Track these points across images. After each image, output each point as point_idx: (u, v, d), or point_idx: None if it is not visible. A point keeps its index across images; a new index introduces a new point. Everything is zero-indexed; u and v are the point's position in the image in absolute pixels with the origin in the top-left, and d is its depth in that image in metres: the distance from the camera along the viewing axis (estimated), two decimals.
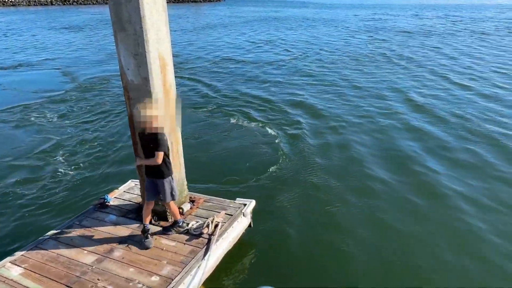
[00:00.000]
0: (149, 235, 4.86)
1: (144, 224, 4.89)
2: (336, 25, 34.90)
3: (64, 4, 73.48)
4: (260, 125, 10.72)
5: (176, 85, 5.08)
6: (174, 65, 5.01)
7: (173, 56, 4.94)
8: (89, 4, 74.81)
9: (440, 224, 6.21)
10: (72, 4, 74.20)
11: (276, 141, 9.56)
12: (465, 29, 30.38)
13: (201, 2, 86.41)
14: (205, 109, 12.30)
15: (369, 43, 24.79)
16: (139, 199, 5.79)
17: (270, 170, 8.01)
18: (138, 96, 4.72)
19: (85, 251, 4.77)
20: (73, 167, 8.30)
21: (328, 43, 25.38)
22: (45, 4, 72.61)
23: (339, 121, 10.85)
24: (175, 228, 5.10)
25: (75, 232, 5.15)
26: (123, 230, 5.17)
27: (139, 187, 5.63)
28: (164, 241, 4.92)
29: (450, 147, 8.97)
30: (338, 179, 7.60)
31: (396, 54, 20.62)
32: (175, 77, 5.07)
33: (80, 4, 74.60)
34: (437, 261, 5.41)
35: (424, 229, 6.11)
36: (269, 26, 35.37)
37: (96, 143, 9.57)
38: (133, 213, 5.57)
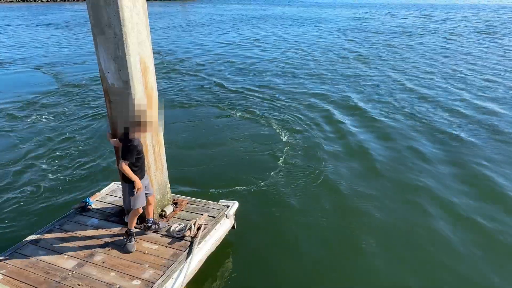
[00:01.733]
0: (133, 239, 4.85)
1: (128, 228, 4.88)
2: (318, 24, 35.11)
3: (47, 1, 72.06)
4: (247, 123, 10.76)
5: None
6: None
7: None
8: (73, 1, 73.49)
9: None
10: (55, 1, 72.81)
11: (263, 141, 9.61)
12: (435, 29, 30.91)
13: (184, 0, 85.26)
14: (191, 107, 12.29)
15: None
16: (122, 202, 5.75)
17: (256, 170, 8.05)
18: (118, 100, 4.69)
19: (66, 256, 4.72)
20: (53, 170, 8.18)
21: (305, 41, 25.54)
22: (27, 1, 71.08)
23: (323, 118, 10.97)
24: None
25: (56, 237, 5.09)
26: (105, 234, 5.13)
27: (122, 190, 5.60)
28: (146, 244, 4.91)
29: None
30: (322, 180, 7.68)
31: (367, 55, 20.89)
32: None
33: (64, 1, 73.25)
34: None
35: None
36: (264, 24, 35.23)
37: (76, 145, 9.44)
38: (115, 216, 5.53)
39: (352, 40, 25.63)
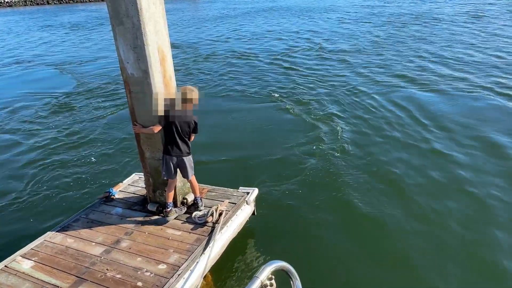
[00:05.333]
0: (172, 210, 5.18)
1: (167, 204, 5.16)
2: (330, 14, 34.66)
3: (60, 3, 73.23)
4: (271, 111, 10.78)
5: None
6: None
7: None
8: (86, 1, 74.49)
9: None
10: (69, 2, 73.93)
11: (287, 128, 9.60)
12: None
13: None
14: (211, 96, 12.43)
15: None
16: (144, 192, 5.88)
17: (275, 157, 8.09)
18: (138, 89, 4.79)
19: (93, 243, 4.87)
20: (76, 163, 8.41)
21: (325, 31, 25.25)
22: (41, 4, 72.39)
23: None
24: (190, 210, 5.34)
25: (82, 225, 5.26)
26: (129, 222, 5.27)
27: (143, 179, 5.72)
28: (169, 230, 5.01)
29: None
30: (345, 169, 7.55)
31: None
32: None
33: (77, 2, 74.31)
34: None
35: None
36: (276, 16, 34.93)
37: (95, 138, 9.67)
38: (138, 205, 5.67)
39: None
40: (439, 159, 7.71)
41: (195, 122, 4.97)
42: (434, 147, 8.22)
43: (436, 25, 22.92)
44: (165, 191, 5.22)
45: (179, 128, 4.89)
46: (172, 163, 4.99)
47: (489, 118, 9.52)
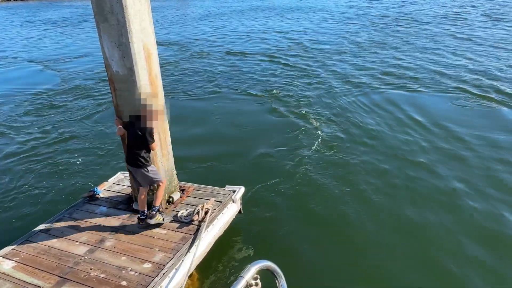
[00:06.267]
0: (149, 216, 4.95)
1: (156, 205, 4.95)
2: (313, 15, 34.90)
3: None
4: (256, 109, 10.82)
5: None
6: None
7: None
8: None
9: None
10: None
11: (272, 125, 9.66)
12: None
13: None
14: (197, 94, 12.37)
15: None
16: (129, 190, 5.83)
17: (261, 156, 8.11)
18: (123, 87, 4.74)
19: (77, 243, 4.81)
20: (59, 162, 8.28)
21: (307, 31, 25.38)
22: None
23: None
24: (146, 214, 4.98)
25: (66, 225, 5.18)
26: (114, 221, 5.22)
27: (129, 178, 5.67)
28: (155, 229, 4.98)
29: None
30: (329, 169, 7.63)
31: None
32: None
33: None
34: None
35: None
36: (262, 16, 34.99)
37: (80, 138, 9.53)
38: (123, 204, 5.61)
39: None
40: (420, 168, 7.64)
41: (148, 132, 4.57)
42: (413, 149, 8.32)
43: (417, 26, 23.27)
44: (151, 190, 5.13)
45: (134, 136, 4.64)
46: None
47: (461, 119, 9.71)
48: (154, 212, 4.94)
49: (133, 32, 4.43)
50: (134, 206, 5.42)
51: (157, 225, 4.98)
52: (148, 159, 4.75)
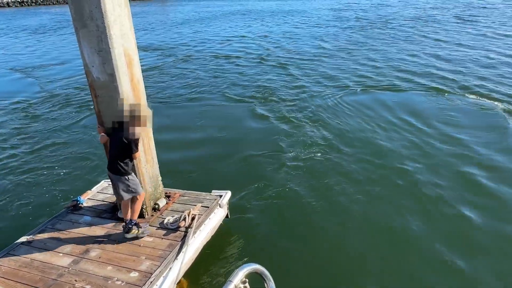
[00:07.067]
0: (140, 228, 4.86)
1: (134, 219, 4.83)
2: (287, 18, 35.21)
3: (21, 6, 70.14)
4: (240, 113, 10.78)
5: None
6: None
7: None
8: (49, 4, 71.74)
9: None
10: (30, 5, 70.94)
11: (255, 129, 9.63)
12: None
13: None
14: (179, 99, 12.26)
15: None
16: (113, 199, 5.72)
17: (246, 160, 8.09)
18: (105, 93, 4.66)
19: (60, 254, 4.69)
20: (41, 172, 8.07)
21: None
22: (1, 6, 69.13)
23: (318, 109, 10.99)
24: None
25: (48, 236, 5.05)
26: (98, 230, 5.11)
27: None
28: None
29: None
30: (312, 171, 7.66)
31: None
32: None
33: (39, 5, 71.42)
34: None
35: None
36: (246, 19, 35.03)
37: (62, 146, 9.31)
38: (108, 212, 5.51)
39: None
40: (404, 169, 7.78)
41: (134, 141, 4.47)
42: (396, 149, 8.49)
43: (395, 28, 23.77)
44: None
45: (117, 144, 4.55)
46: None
47: (435, 116, 10.00)
48: (131, 226, 4.80)
49: (114, 37, 4.37)
50: (119, 215, 5.32)
51: (136, 238, 4.87)
52: (129, 167, 4.66)
